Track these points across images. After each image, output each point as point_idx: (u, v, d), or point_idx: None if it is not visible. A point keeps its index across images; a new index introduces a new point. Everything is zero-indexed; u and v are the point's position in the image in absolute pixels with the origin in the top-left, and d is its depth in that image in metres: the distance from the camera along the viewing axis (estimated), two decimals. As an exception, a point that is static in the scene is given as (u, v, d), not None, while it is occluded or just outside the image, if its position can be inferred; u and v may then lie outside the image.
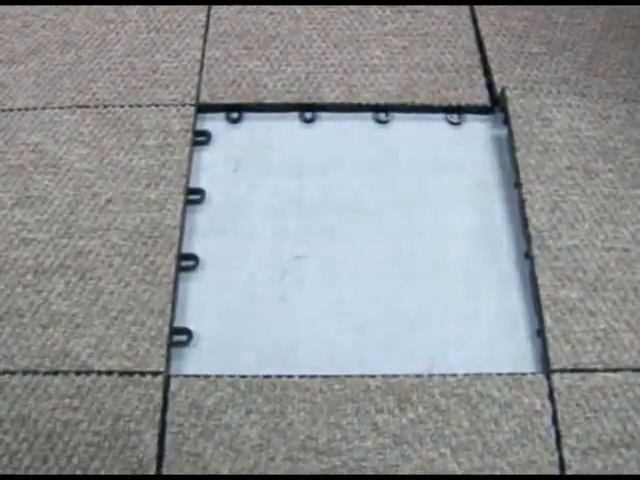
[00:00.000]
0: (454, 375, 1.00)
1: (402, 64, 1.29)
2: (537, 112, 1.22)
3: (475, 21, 1.36)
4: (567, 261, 1.07)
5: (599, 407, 0.97)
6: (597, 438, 0.95)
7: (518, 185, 1.16)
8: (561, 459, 0.94)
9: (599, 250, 1.09)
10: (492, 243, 1.13)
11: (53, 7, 1.33)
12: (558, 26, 1.35)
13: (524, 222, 1.12)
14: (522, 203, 1.14)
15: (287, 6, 1.35)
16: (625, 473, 0.93)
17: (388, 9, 1.37)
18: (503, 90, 1.25)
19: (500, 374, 1.00)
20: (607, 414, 0.97)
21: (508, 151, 1.21)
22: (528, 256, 1.10)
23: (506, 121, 1.23)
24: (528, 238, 1.10)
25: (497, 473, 0.93)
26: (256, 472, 0.93)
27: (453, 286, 1.09)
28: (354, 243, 1.13)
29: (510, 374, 1.00)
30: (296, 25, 1.33)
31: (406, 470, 0.94)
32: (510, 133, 1.20)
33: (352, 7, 1.36)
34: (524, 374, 1.00)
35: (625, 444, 0.95)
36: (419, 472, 0.94)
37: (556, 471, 0.94)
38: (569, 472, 0.93)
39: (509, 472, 0.93)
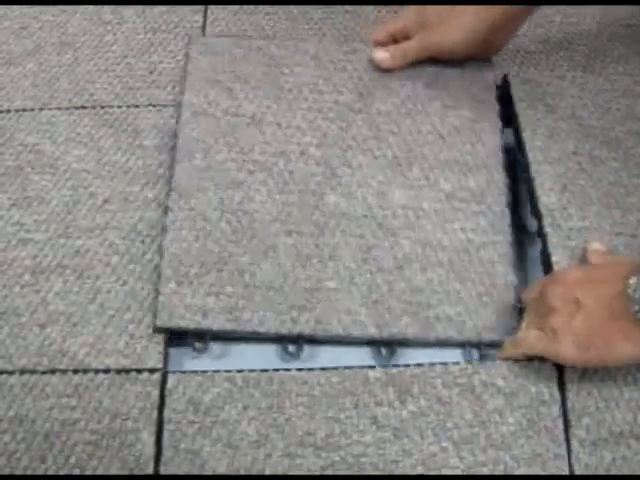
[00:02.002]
0: (457, 363, 0.97)
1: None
2: (540, 98, 1.20)
3: (471, 21, 1.35)
4: (579, 242, 1.05)
5: (610, 396, 0.94)
6: (607, 429, 0.92)
7: (526, 166, 1.13)
8: (569, 451, 0.91)
9: (609, 234, 1.06)
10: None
11: (51, 8, 1.34)
12: (554, 25, 1.34)
13: (532, 201, 1.10)
14: (531, 182, 1.11)
15: (283, 6, 1.35)
16: (633, 465, 0.89)
17: (384, 9, 1.35)
18: (505, 76, 1.24)
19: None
20: (618, 404, 0.93)
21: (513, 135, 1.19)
22: (540, 234, 1.07)
23: (509, 111, 1.20)
24: (539, 216, 1.08)
25: (500, 467, 0.90)
26: (254, 469, 0.91)
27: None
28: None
29: (516, 361, 0.96)
30: (292, 25, 1.33)
31: (406, 465, 0.91)
32: (515, 117, 1.19)
33: (348, 7, 1.35)
34: (531, 360, 0.96)
35: (634, 435, 0.91)
36: (420, 467, 0.91)
37: (563, 463, 0.90)
38: (576, 464, 0.90)
39: (513, 466, 0.90)
